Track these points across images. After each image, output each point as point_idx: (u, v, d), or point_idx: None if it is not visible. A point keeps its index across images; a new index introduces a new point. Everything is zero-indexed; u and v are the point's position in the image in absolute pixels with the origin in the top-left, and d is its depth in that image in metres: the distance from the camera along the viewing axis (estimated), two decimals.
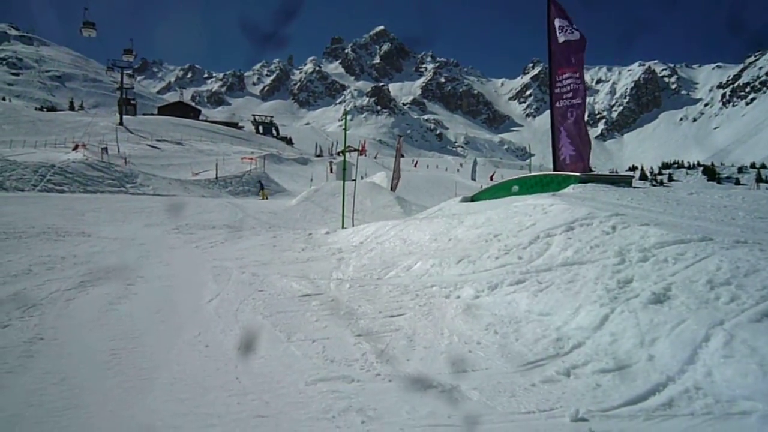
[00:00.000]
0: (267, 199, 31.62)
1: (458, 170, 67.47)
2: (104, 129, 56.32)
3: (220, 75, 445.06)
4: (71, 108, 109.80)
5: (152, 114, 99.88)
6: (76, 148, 38.89)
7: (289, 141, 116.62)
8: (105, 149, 38.77)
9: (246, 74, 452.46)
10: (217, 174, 36.37)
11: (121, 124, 62.08)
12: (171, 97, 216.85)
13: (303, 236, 13.77)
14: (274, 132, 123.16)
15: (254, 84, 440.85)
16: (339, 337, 5.65)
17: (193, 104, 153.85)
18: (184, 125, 78.81)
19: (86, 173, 27.75)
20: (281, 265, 9.83)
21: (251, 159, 47.24)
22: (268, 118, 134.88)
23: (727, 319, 4.36)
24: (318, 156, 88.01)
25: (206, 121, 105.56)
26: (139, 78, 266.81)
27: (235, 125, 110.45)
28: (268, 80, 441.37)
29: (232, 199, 29.53)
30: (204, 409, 3.99)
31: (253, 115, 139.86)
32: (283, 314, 6.51)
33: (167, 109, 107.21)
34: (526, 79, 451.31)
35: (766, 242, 5.89)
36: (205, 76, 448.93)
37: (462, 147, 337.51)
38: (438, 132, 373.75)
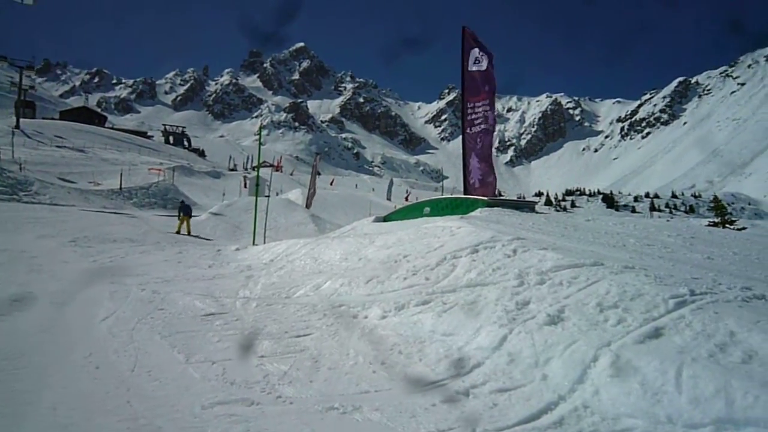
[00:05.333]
0: None
1: (372, 190, 67.95)
2: None
3: (130, 81, 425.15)
4: None
5: (53, 118, 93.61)
6: None
7: (201, 153, 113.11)
8: None
9: (158, 82, 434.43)
10: (121, 185, 34.60)
11: (17, 127, 57.77)
12: (75, 102, 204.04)
13: (211, 252, 13.36)
14: (186, 143, 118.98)
15: (166, 93, 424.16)
16: (241, 358, 5.51)
17: (98, 110, 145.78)
18: (88, 132, 74.39)
19: None
20: (185, 283, 9.47)
21: (159, 170, 45.33)
22: (180, 128, 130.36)
23: (614, 341, 4.64)
24: (231, 170, 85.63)
25: (112, 128, 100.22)
26: (40, 80, 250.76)
27: (143, 134, 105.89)
28: (182, 90, 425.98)
29: (136, 212, 28.19)
30: None
31: (164, 125, 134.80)
32: (183, 334, 6.27)
33: (70, 114, 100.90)
34: (442, 104, 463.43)
35: (652, 268, 6.34)
36: (114, 81, 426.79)
37: (379, 167, 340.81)
38: (355, 151, 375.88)
